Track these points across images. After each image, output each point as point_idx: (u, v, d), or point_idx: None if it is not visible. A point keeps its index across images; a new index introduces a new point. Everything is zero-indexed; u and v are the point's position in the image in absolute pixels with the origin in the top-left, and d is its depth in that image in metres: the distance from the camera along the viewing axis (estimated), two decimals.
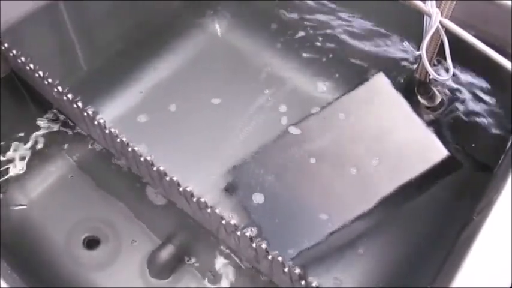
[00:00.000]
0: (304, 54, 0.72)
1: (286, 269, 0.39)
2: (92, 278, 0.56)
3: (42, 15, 0.57)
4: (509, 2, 0.51)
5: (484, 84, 0.57)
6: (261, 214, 0.55)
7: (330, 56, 0.70)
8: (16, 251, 0.55)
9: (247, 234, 0.41)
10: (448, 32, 0.50)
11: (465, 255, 0.37)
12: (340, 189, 0.55)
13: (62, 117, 0.63)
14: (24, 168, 0.62)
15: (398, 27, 0.62)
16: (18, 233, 0.58)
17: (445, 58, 0.51)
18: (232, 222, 0.41)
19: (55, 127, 0.64)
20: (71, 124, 0.63)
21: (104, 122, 0.48)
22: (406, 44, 0.54)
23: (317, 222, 0.54)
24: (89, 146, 0.64)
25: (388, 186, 0.53)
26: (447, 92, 0.59)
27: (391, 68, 0.64)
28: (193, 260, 0.57)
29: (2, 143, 0.61)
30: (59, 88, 0.50)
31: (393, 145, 0.55)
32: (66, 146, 0.64)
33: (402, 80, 0.60)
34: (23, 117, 0.62)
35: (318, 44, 0.71)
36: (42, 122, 0.64)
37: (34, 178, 0.62)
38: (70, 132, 0.64)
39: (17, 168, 0.61)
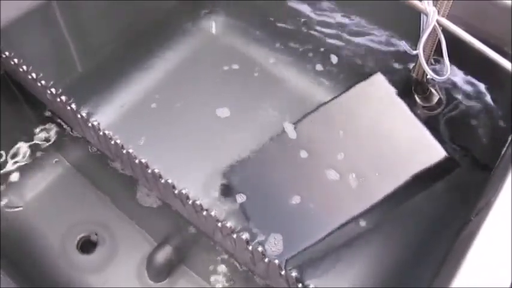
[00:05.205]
0: (301, 54, 0.72)
1: (282, 272, 0.39)
2: (87, 281, 0.55)
3: (35, 15, 0.56)
4: (507, 1, 0.51)
5: (482, 83, 0.57)
6: (256, 215, 0.55)
7: (327, 55, 0.70)
8: (10, 254, 0.55)
9: (243, 237, 0.41)
10: (445, 31, 0.50)
11: (464, 255, 0.37)
12: (336, 190, 0.54)
13: (56, 119, 0.63)
14: (19, 170, 0.62)
15: (395, 26, 0.62)
16: (13, 235, 0.58)
17: (442, 57, 0.51)
18: (228, 225, 0.41)
19: (50, 129, 0.64)
20: (66, 126, 0.62)
21: (98, 124, 0.48)
22: (403, 43, 0.54)
23: (313, 223, 0.53)
24: (84, 148, 0.63)
25: (385, 187, 0.53)
26: (444, 91, 0.59)
27: (388, 67, 0.63)
28: (190, 261, 0.57)
29: None
30: (53, 90, 0.50)
31: (390, 145, 0.55)
32: (61, 147, 0.64)
33: (399, 80, 0.60)
34: (16, 119, 0.62)
35: (314, 43, 0.71)
36: (36, 124, 0.63)
37: (29, 180, 0.62)
38: (65, 134, 0.64)
39: (11, 170, 0.61)
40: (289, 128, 0.59)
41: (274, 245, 0.52)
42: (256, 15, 0.75)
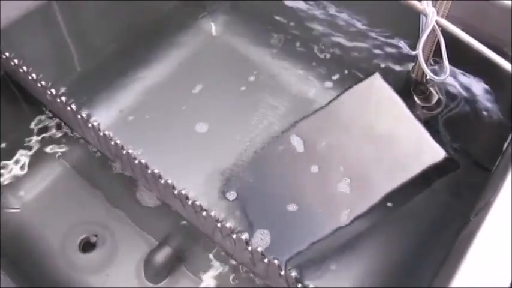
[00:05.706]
0: (301, 55, 0.72)
1: (282, 272, 0.39)
2: (87, 281, 0.55)
3: (35, 16, 0.57)
4: (507, 2, 0.51)
5: (481, 83, 0.57)
6: (255, 215, 0.55)
7: (326, 56, 0.70)
8: (10, 254, 0.55)
9: (243, 237, 0.41)
10: (445, 32, 0.50)
11: (464, 255, 0.37)
12: (336, 190, 0.54)
13: (56, 119, 0.63)
14: (18, 171, 0.61)
15: (395, 27, 0.62)
16: (13, 235, 0.58)
17: (441, 58, 0.51)
18: (228, 225, 0.41)
19: (49, 129, 0.64)
20: (66, 127, 0.62)
21: (98, 124, 0.48)
22: (402, 43, 0.54)
23: (314, 223, 0.53)
24: (84, 149, 0.63)
25: (385, 188, 0.53)
26: (444, 91, 0.59)
27: (388, 67, 0.63)
28: (189, 262, 0.57)
29: None
30: (52, 91, 0.50)
31: (390, 146, 0.55)
32: (60, 148, 0.64)
33: (399, 80, 0.60)
34: (16, 119, 0.62)
35: (313, 44, 0.71)
36: (36, 124, 0.63)
37: (29, 180, 0.62)
38: (65, 135, 0.64)
39: (10, 171, 0.61)
40: (289, 131, 0.59)
41: (261, 240, 0.52)
42: (256, 16, 0.75)
